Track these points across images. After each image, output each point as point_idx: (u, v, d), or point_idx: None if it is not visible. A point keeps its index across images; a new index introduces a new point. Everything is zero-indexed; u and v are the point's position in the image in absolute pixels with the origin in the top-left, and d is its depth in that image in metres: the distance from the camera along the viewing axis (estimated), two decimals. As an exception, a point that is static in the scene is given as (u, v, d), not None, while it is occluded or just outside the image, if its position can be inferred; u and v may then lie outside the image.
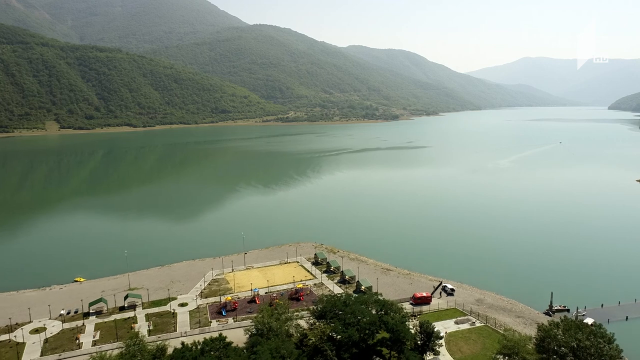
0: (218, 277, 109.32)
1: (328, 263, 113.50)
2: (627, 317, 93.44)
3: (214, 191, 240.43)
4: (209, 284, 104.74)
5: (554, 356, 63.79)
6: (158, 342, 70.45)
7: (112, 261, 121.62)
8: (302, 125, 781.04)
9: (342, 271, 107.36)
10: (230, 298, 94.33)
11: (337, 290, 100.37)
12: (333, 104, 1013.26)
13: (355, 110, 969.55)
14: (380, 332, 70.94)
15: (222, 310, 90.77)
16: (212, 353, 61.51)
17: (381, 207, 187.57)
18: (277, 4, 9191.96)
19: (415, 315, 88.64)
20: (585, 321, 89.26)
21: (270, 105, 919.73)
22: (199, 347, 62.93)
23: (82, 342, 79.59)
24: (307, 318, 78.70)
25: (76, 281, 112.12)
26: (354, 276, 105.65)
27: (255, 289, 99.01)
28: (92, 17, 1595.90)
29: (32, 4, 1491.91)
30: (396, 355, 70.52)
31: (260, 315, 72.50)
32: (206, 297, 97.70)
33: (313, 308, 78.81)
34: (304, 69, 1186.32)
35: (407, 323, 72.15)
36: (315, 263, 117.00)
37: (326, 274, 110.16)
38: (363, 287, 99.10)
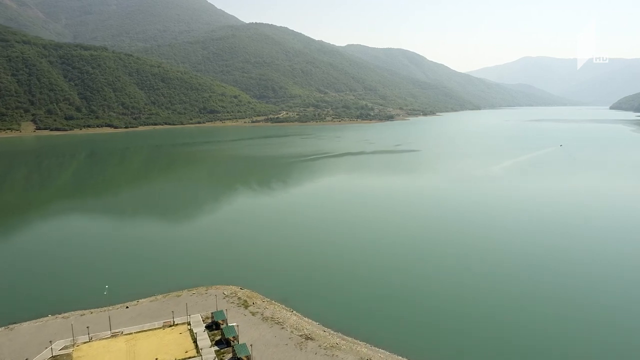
0: (64, 351, 77.19)
1: (222, 330, 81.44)
2: None
3: (143, 211, 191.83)
4: (42, 366, 73.39)
5: None
6: None
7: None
8: (293, 126, 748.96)
9: (233, 347, 75.52)
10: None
11: (217, 381, 69.00)
12: (327, 103, 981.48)
13: (349, 110, 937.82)
14: None
15: None
16: None
17: (335, 232, 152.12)
18: (275, 3, 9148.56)
19: None
20: None
21: (262, 105, 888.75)
22: None
23: None
24: None
25: None
26: (250, 356, 74.03)
27: (89, 384, 67.14)
28: (87, 16, 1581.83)
29: (26, 3, 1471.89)
30: None
31: None
32: (18, 395, 66.34)
33: None
34: (299, 68, 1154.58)
35: None
36: (211, 326, 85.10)
37: (217, 348, 78.28)
38: (254, 378, 67.72)
